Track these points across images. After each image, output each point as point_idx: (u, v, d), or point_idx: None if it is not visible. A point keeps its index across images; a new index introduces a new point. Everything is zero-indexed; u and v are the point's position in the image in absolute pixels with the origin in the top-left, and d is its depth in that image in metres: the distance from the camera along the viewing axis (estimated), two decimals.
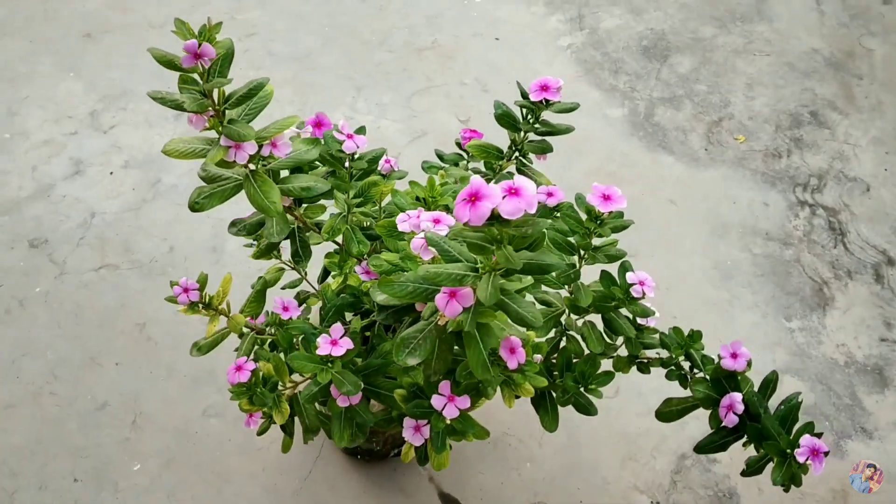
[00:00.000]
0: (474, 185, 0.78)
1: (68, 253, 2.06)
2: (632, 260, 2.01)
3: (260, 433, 1.25)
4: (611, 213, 1.12)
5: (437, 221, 1.02)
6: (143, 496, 1.66)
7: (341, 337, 1.09)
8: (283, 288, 1.40)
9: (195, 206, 1.10)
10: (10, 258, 2.05)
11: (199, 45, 0.94)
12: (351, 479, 1.66)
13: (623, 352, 1.29)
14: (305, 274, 1.46)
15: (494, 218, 0.78)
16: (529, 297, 1.25)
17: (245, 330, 1.29)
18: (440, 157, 1.49)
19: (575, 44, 2.61)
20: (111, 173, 2.25)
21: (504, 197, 0.77)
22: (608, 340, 1.28)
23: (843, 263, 2.05)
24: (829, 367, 1.85)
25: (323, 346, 1.07)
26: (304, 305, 1.41)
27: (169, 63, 0.98)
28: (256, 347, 1.26)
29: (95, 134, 2.36)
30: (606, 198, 1.11)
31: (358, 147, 1.16)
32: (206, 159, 1.04)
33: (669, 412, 1.25)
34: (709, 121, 2.40)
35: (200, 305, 1.22)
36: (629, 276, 1.16)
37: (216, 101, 1.04)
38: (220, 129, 1.04)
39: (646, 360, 1.31)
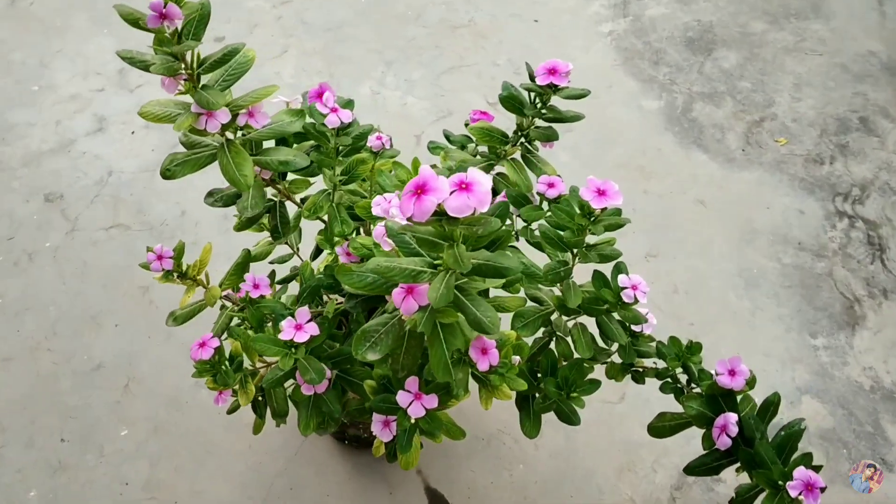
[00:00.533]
0: (422, 177, 0.71)
1: (82, 210, 2.04)
2: (653, 260, 1.94)
3: (230, 412, 1.21)
4: (605, 209, 1.04)
5: None
6: (126, 462, 1.63)
7: (307, 322, 1.03)
8: (270, 262, 1.35)
9: (166, 174, 1.06)
10: (25, 210, 2.04)
11: (165, 4, 0.89)
12: (337, 465, 1.61)
13: (618, 358, 1.22)
14: (298, 249, 1.41)
15: (442, 214, 0.71)
16: (521, 294, 1.18)
17: (228, 304, 1.24)
18: (448, 137, 1.42)
19: (616, 31, 2.51)
20: (133, 133, 2.22)
21: (452, 192, 0.70)
22: (602, 345, 1.21)
23: (880, 281, 1.92)
24: (853, 390, 1.74)
25: (287, 331, 1.02)
26: (292, 282, 1.37)
27: (135, 22, 0.93)
28: (236, 322, 1.21)
29: (122, 92, 2.34)
30: (601, 193, 1.03)
31: (342, 122, 1.09)
32: (174, 126, 0.99)
33: (662, 427, 1.18)
34: (749, 120, 2.29)
35: (175, 275, 1.17)
36: (621, 279, 1.08)
37: (189, 65, 0.98)
38: (193, 94, 0.99)
39: (641, 370, 1.23)
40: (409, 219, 0.71)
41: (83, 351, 1.79)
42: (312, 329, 1.03)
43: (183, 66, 0.98)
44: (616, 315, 1.13)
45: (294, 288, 1.35)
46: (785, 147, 2.22)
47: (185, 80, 1.00)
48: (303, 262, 1.21)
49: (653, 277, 1.89)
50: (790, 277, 1.94)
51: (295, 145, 1.18)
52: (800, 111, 2.31)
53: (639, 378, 1.23)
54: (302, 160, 1.08)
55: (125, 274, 1.92)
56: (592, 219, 1.06)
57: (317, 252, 1.39)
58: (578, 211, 1.06)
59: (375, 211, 1.01)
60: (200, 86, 1.00)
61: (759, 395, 1.73)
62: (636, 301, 1.07)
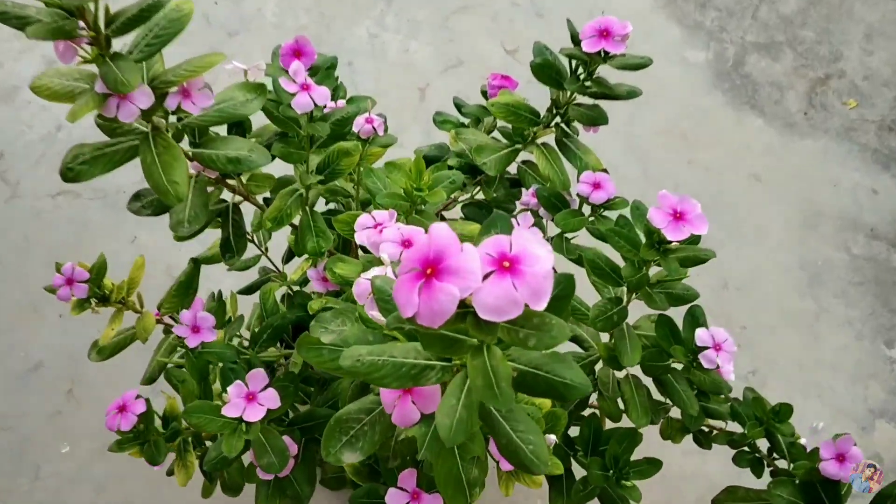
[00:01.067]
0: (435, 244, 0.41)
1: (24, 172, 1.75)
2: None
3: (169, 473, 0.94)
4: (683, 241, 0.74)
5: (408, 244, 0.64)
6: (66, 487, 1.40)
7: (263, 389, 0.74)
8: (229, 269, 1.06)
9: (68, 175, 0.76)
10: None
11: None
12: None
13: (676, 411, 0.94)
14: (266, 249, 1.12)
15: (467, 308, 0.42)
16: None
17: (172, 327, 0.95)
18: (459, 107, 1.15)
19: None
20: None
21: (488, 275, 0.40)
22: (657, 397, 0.92)
23: None
24: None
25: (233, 402, 0.73)
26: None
27: None
28: (170, 365, 0.92)
29: None
30: (678, 217, 0.73)
31: (316, 104, 0.78)
32: (67, 115, 0.69)
33: None
34: (813, 77, 2.00)
35: (93, 302, 0.88)
36: (700, 336, 0.79)
37: (92, 24, 0.67)
38: (100, 66, 0.69)
39: (707, 430, 0.96)
40: (409, 319, 0.42)
41: (20, 346, 1.54)
42: (270, 400, 0.74)
43: (83, 24, 0.67)
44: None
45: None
46: (855, 111, 1.95)
47: (88, 44, 0.69)
48: (264, 288, 0.91)
49: (697, 269, 1.59)
50: (861, 272, 1.69)
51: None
52: (872, 67, 2.01)
53: (704, 442, 0.95)
54: (260, 156, 0.78)
55: (74, 252, 1.63)
56: (663, 251, 0.76)
57: (290, 254, 1.10)
58: (644, 239, 0.76)
59: (359, 238, 0.71)
60: (111, 54, 0.70)
61: (825, 417, 1.47)
62: (717, 367, 0.78)
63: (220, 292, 1.07)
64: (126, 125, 0.78)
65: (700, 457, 1.41)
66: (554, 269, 0.42)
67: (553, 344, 0.42)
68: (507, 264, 0.40)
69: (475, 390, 0.45)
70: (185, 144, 0.81)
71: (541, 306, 0.40)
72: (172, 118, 0.79)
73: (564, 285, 0.47)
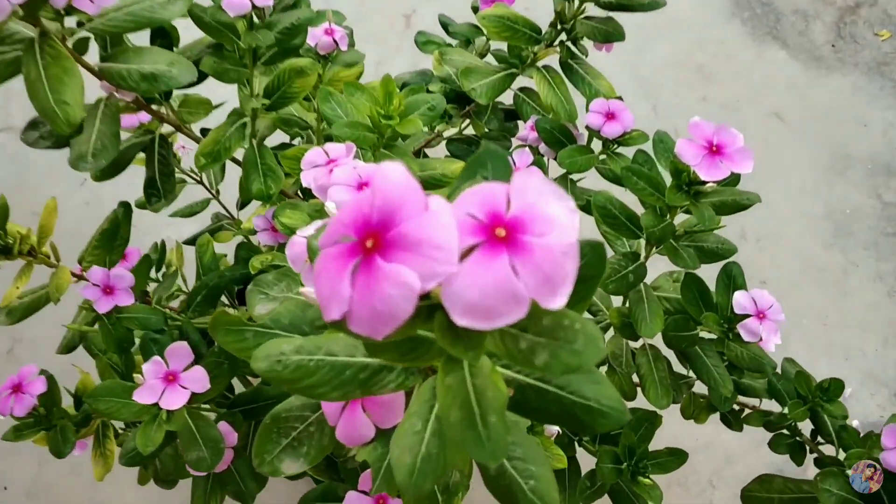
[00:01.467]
0: (382, 197, 0.25)
1: None
2: None
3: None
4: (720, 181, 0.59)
5: (363, 188, 0.48)
6: (5, 459, 1.30)
7: (187, 368, 0.58)
8: (172, 215, 0.94)
9: None
10: None
11: None
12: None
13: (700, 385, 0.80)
14: (217, 193, 0.97)
15: (432, 302, 0.26)
16: None
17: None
18: (445, 27, 1.04)
19: None
20: None
21: (473, 248, 0.24)
22: (681, 370, 0.78)
23: None
24: None
25: (148, 384, 0.57)
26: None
27: None
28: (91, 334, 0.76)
29: None
30: (715, 151, 0.58)
31: (255, 6, 0.61)
32: None
33: (768, 500, 0.78)
34: (841, 6, 1.89)
35: None
36: (738, 301, 0.63)
37: None
38: None
39: (738, 409, 0.81)
40: (335, 323, 0.26)
41: None
42: (196, 381, 0.58)
43: None
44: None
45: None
46: (888, 43, 1.84)
47: None
48: (201, 239, 0.75)
49: None
50: (894, 221, 1.60)
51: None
52: None
53: (735, 423, 0.81)
54: (182, 72, 0.62)
55: (15, 196, 1.44)
56: (695, 194, 0.60)
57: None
58: (672, 179, 0.60)
59: (305, 179, 0.55)
60: None
61: (854, 383, 1.34)
62: (760, 339, 0.63)
63: (163, 242, 0.92)
64: (13, 32, 0.61)
65: (714, 424, 1.30)
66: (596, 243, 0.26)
67: (577, 364, 0.26)
68: (502, 232, 0.25)
69: (448, 428, 0.29)
70: (95, 59, 0.65)
71: (557, 302, 0.25)
72: (72, 23, 0.62)
73: (589, 259, 0.30)
